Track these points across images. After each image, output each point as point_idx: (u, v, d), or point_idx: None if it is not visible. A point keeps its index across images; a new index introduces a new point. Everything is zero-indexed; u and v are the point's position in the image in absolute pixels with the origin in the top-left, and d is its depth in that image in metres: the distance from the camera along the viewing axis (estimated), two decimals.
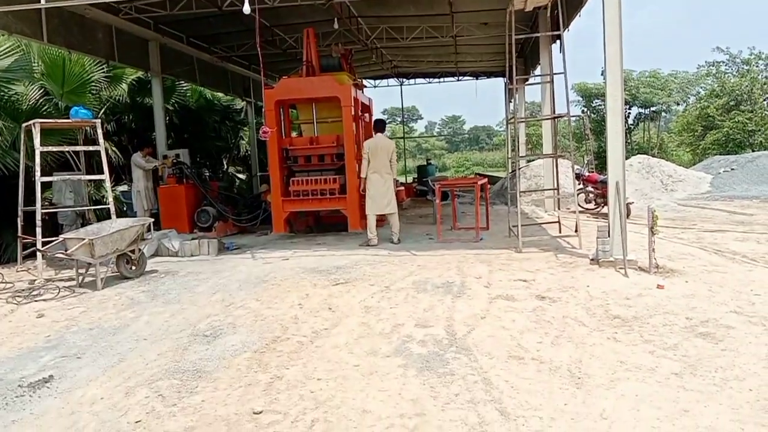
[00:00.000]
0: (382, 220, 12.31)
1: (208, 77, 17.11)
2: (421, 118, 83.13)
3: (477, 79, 25.60)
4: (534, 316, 5.59)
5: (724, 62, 33.01)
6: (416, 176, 23.64)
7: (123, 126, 15.60)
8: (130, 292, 7.34)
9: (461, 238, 10.21)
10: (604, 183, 13.71)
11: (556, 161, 10.54)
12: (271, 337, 5.31)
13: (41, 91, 11.66)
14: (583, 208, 14.73)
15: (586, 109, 34.21)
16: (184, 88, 17.29)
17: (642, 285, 6.63)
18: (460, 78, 25.45)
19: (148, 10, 12.46)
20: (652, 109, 35.39)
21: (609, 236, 7.41)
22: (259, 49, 9.26)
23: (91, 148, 8.86)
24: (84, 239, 7.32)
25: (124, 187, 14.30)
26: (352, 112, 11.14)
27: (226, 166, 19.25)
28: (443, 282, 6.91)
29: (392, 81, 26.01)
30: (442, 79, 25.74)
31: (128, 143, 15.55)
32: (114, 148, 14.80)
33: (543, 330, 5.23)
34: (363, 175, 9.98)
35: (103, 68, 12.94)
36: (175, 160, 12.20)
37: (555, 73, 10.19)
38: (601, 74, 36.11)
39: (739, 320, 5.38)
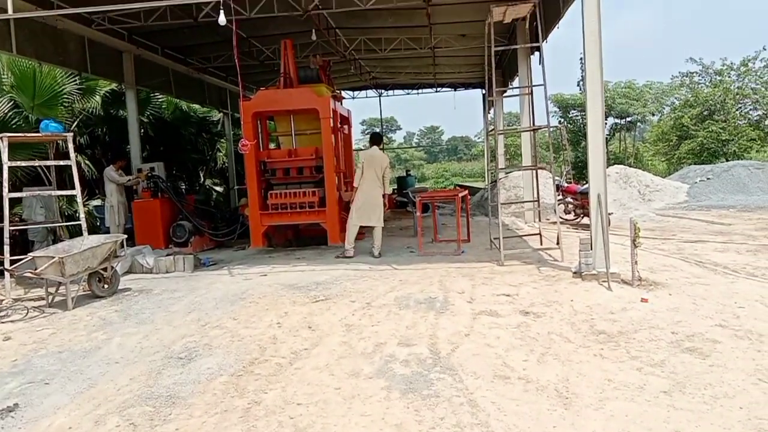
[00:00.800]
0: (362, 233, 12.20)
1: (184, 89, 16.87)
2: (400, 129, 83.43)
3: (455, 90, 25.67)
4: (519, 333, 5.48)
5: (697, 73, 33.56)
6: (396, 187, 23.55)
7: (97, 139, 15.27)
8: (103, 311, 7.09)
9: (443, 251, 10.10)
10: (584, 194, 13.76)
11: (536, 172, 10.49)
12: (248, 359, 5.12)
13: (11, 103, 11.34)
14: (563, 219, 14.76)
15: (563, 120, 34.51)
16: (160, 100, 17.02)
17: (626, 299, 6.57)
18: (438, 89, 25.49)
19: (121, 21, 12.23)
20: (628, 119, 35.82)
21: (591, 249, 7.35)
22: (236, 61, 9.09)
23: (61, 162, 8.59)
24: (54, 258, 7.05)
25: (97, 202, 13.96)
26: (331, 124, 11.01)
27: (203, 179, 18.96)
28: (426, 297, 6.78)
29: (371, 92, 25.98)
30: (420, 91, 25.77)
31: (102, 156, 15.21)
32: (87, 162, 14.48)
33: (528, 347, 5.12)
34: (356, 185, 9.92)
35: (75, 80, 12.66)
36: (149, 174, 11.94)
37: (534, 85, 10.17)
38: (578, 85, 36.53)
39: (725, 334, 5.32)
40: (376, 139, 10.37)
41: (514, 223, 13.29)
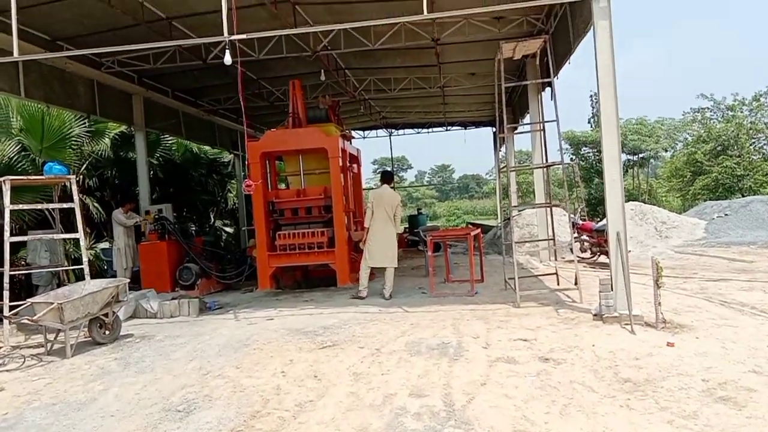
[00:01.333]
0: (374, 273, 11.91)
1: (194, 131, 16.91)
2: (411, 168, 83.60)
3: (465, 128, 25.61)
4: (539, 382, 5.12)
5: (709, 108, 33.42)
6: (407, 226, 23.32)
7: (106, 181, 15.26)
8: (102, 359, 6.81)
9: (455, 291, 9.77)
10: (599, 231, 13.44)
11: (551, 210, 10.21)
12: (249, 412, 4.80)
13: (18, 147, 11.32)
14: (578, 257, 14.41)
15: (574, 157, 34.32)
16: (170, 142, 17.06)
17: (651, 343, 6.20)
18: (448, 128, 25.45)
19: (131, 64, 12.29)
20: (641, 155, 35.60)
21: (612, 290, 7.01)
22: (242, 101, 9.02)
23: (65, 205, 8.44)
24: (52, 303, 6.82)
25: (104, 245, 13.83)
26: (340, 163, 10.86)
27: (213, 220, 18.85)
28: (438, 343, 6.45)
29: (381, 132, 25.99)
30: (430, 130, 25.74)
31: (111, 199, 15.17)
32: (96, 204, 14.43)
33: (550, 398, 4.77)
34: (366, 225, 9.73)
35: (84, 123, 12.67)
36: (157, 216, 11.80)
37: (546, 121, 9.94)
38: (589, 122, 36.44)
39: (759, 381, 4.94)
40: (386, 178, 10.20)
41: (528, 262, 12.94)
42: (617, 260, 7.03)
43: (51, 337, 7.34)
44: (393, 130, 26.00)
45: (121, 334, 7.90)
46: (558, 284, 9.70)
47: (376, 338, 6.84)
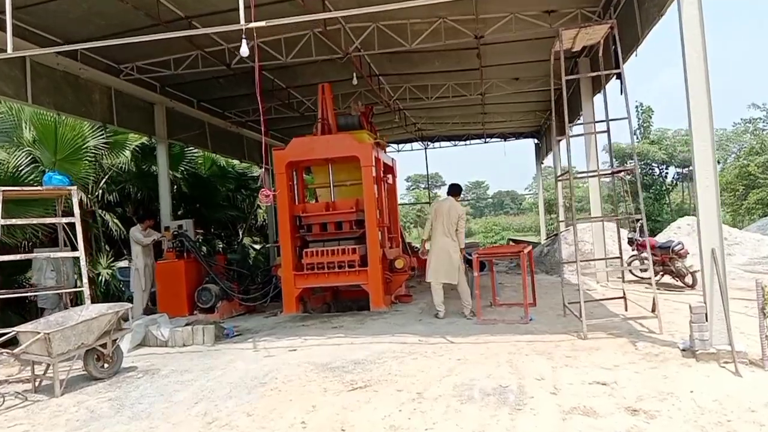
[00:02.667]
0: (410, 295, 10.75)
1: (221, 143, 16.09)
2: (445, 185, 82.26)
3: (505, 140, 24.40)
4: None
5: (761, 119, 31.47)
6: None
7: (127, 196, 14.49)
8: (94, 400, 5.78)
9: (505, 318, 8.53)
10: (664, 248, 12.04)
11: (617, 225, 8.97)
12: None
13: (29, 158, 10.57)
14: (637, 277, 13.00)
15: None
16: (195, 155, 16.25)
17: (764, 387, 4.90)
18: (487, 140, 24.26)
19: (151, 70, 11.49)
20: (692, 168, 33.61)
21: (706, 320, 5.70)
22: (260, 101, 8.01)
23: (63, 220, 7.52)
24: (39, 333, 5.85)
25: (124, 263, 13.00)
26: (374, 173, 9.79)
27: (241, 237, 17.96)
28: (494, 386, 5.24)
29: (416, 145, 24.91)
30: (468, 142, 24.58)
31: (133, 214, 14.38)
32: (116, 221, 13.66)
33: None
34: (425, 237, 9.16)
35: (102, 134, 11.90)
36: (176, 232, 10.87)
37: (614, 119, 8.58)
38: (634, 134, 34.71)
39: None
40: (454, 190, 9.23)
41: (584, 283, 11.57)
42: (713, 284, 5.73)
43: (40, 370, 6.36)
44: (428, 143, 24.89)
45: (124, 366, 6.90)
46: (626, 310, 8.38)
47: (416, 378, 5.66)
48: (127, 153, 13.53)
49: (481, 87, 15.07)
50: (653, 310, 7.20)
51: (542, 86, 15.35)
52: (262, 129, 8.69)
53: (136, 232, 11.10)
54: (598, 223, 12.85)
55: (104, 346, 6.48)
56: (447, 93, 15.64)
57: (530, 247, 9.05)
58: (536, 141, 24.14)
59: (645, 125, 33.88)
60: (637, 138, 33.62)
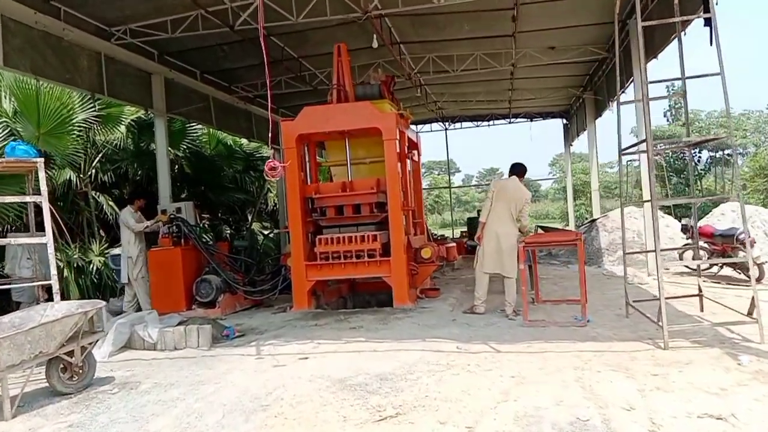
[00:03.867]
0: (437, 289, 9.45)
1: (227, 120, 14.78)
2: (459, 171, 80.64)
3: (531, 120, 22.90)
4: None
5: None
6: (465, 230, 20.70)
7: (124, 176, 13.26)
8: (51, 426, 4.54)
9: (555, 318, 7.21)
10: (726, 237, 10.62)
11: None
12: None
13: (6, 131, 9.35)
14: (689, 268, 11.58)
15: (637, 159, 30.92)
16: (198, 132, 14.94)
17: None
18: (512, 120, 22.78)
19: (145, 34, 10.20)
20: (727, 152, 31.90)
21: None
22: (266, 64, 6.69)
23: (27, 198, 6.25)
24: None
25: (118, 250, 11.81)
26: (397, 148, 8.45)
27: (250, 223, 16.70)
28: (570, 419, 3.92)
29: (435, 126, 23.48)
30: (491, 122, 23.10)
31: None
32: (111, 203, 12.45)
33: None
34: (482, 220, 7.73)
35: (92, 106, 10.64)
36: (173, 216, 9.61)
37: (710, 74, 6.80)
38: (664, 116, 32.90)
39: None
40: (518, 170, 7.89)
41: (635, 276, 10.20)
42: None
43: None
44: (449, 123, 23.45)
45: (99, 376, 5.67)
46: (701, 310, 7.02)
47: (462, 403, 4.36)
48: (123, 129, 12.25)
49: (512, 56, 13.61)
50: (750, 313, 5.82)
51: (580, 56, 13.89)
52: (269, 96, 7.31)
53: (127, 214, 9.81)
54: (648, 208, 11.48)
55: (71, 354, 5.23)
56: (474, 65, 14.19)
57: (580, 235, 7.64)
58: (565, 121, 22.63)
59: (676, 106, 32.13)
60: (667, 120, 31.97)
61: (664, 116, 32.55)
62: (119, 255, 10.85)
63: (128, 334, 6.95)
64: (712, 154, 31.81)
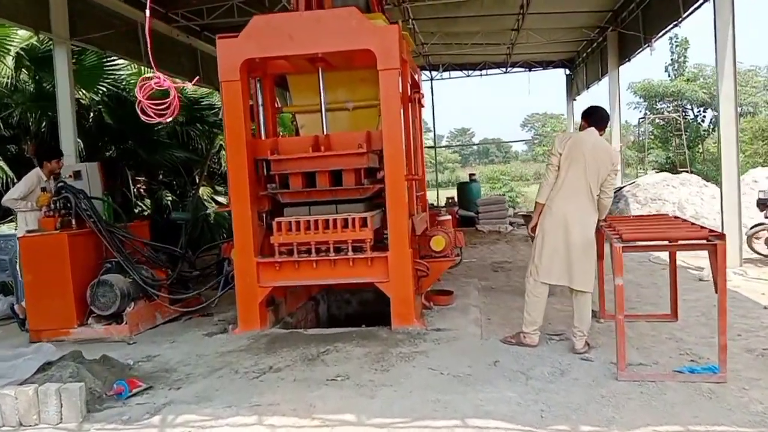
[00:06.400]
0: (451, 291, 6.65)
1: (164, 58, 11.45)
2: (430, 131, 77.79)
3: (530, 70, 20.02)
4: None
5: None
6: (453, 197, 17.81)
7: (26, 129, 9.99)
8: None
9: (655, 357, 4.48)
10: None
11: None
12: None
13: None
14: (761, 254, 9.04)
15: (648, 113, 28.37)
16: (123, 72, 11.58)
17: None
18: (508, 69, 19.86)
19: None
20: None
21: None
22: None
23: None
24: None
25: (6, 228, 8.73)
26: (400, 84, 5.47)
27: (196, 189, 13.54)
28: None
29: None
30: (483, 72, 20.11)
31: (32, 154, 9.92)
32: (3, 165, 9.26)
33: None
34: (541, 200, 4.83)
35: None
36: (60, 183, 6.49)
37: None
38: (666, 70, 29.99)
39: None
40: (597, 117, 4.93)
41: (701, 269, 7.53)
42: None
43: None
44: (435, 73, 20.39)
45: None
46: None
47: None
48: (10, 61, 8.92)
49: None
50: None
51: None
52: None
53: (22, 187, 6.79)
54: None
55: None
56: None
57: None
58: (568, 72, 19.79)
59: (680, 60, 29.42)
60: (670, 75, 29.32)
61: (665, 71, 29.86)
62: (9, 236, 7.87)
63: None
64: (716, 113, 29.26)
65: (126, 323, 5.94)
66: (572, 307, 4.75)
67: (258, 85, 6.16)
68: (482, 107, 67.62)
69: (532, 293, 4.76)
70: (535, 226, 4.83)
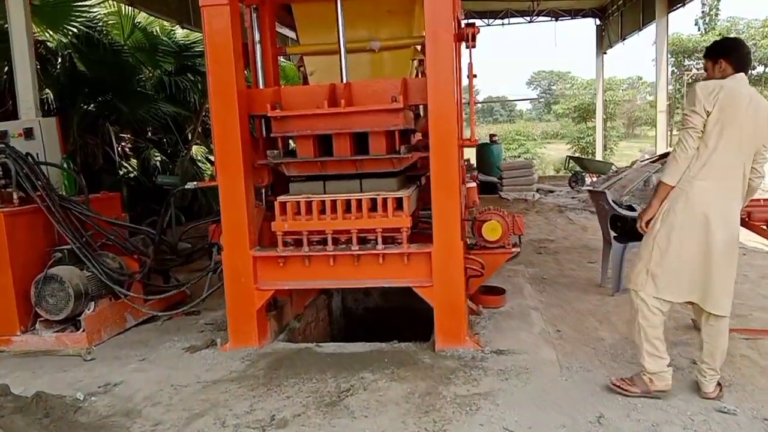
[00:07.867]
0: (493, 294, 5.25)
1: None
2: None
3: (557, 21, 18.22)
4: None
5: None
6: (472, 162, 16.22)
7: None
8: None
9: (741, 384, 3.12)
10: None
11: None
12: None
13: None
14: None
15: (676, 71, 26.42)
16: (98, 11, 9.88)
17: None
18: (532, 19, 18.06)
19: None
20: None
21: None
22: None
23: None
24: None
25: None
26: (449, 15, 3.93)
27: (188, 149, 12.00)
28: None
29: None
30: (506, 20, 18.31)
31: None
32: None
33: None
34: (672, 181, 3.20)
35: None
36: (0, 145, 5.03)
37: None
38: (696, 24, 27.96)
39: None
40: (740, 54, 3.25)
41: None
42: None
43: None
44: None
45: None
46: None
47: None
48: None
49: None
50: None
51: None
52: None
53: None
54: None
55: None
56: None
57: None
58: (598, 22, 18.00)
59: (711, 13, 27.32)
60: (700, 29, 27.30)
61: (695, 24, 27.80)
62: None
63: None
64: (759, 68, 27.17)
65: (84, 330, 4.55)
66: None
67: (254, 16, 4.60)
68: (487, 63, 65.04)
69: (647, 314, 3.32)
70: (651, 219, 3.37)
